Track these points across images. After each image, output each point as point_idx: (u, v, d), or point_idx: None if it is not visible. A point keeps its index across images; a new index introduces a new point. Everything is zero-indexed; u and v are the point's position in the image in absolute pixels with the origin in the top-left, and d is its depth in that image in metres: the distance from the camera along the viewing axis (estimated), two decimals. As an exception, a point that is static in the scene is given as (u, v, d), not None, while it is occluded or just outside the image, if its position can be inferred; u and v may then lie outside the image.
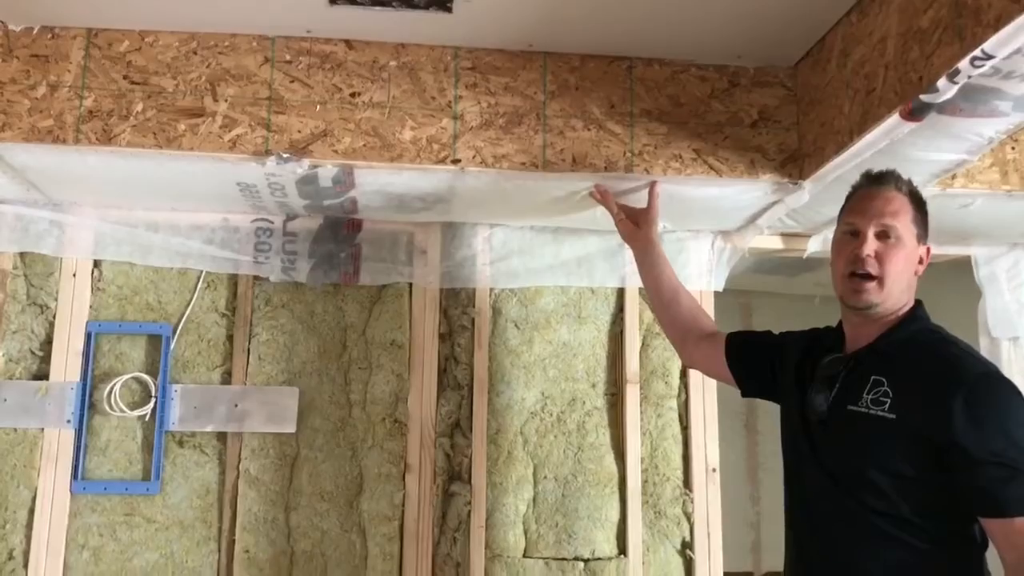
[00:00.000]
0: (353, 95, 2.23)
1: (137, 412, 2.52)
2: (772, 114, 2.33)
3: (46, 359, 2.52)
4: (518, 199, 2.44)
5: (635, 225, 2.31)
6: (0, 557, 2.42)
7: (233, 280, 2.62)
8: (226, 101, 2.20)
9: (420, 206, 2.51)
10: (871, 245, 1.74)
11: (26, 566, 2.41)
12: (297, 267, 2.62)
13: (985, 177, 2.28)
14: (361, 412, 2.61)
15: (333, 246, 2.64)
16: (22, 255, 2.55)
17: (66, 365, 2.51)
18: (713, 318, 2.70)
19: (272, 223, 2.63)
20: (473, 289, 2.70)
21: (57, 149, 2.16)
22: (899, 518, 1.64)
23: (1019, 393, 1.63)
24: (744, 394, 2.14)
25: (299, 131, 2.20)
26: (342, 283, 2.65)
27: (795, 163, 2.31)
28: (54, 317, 2.53)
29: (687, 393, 2.72)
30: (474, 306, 2.69)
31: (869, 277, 1.74)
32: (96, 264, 2.58)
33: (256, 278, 2.62)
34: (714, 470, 2.69)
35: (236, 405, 2.55)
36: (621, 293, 2.76)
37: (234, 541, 2.51)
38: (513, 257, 2.71)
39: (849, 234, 1.79)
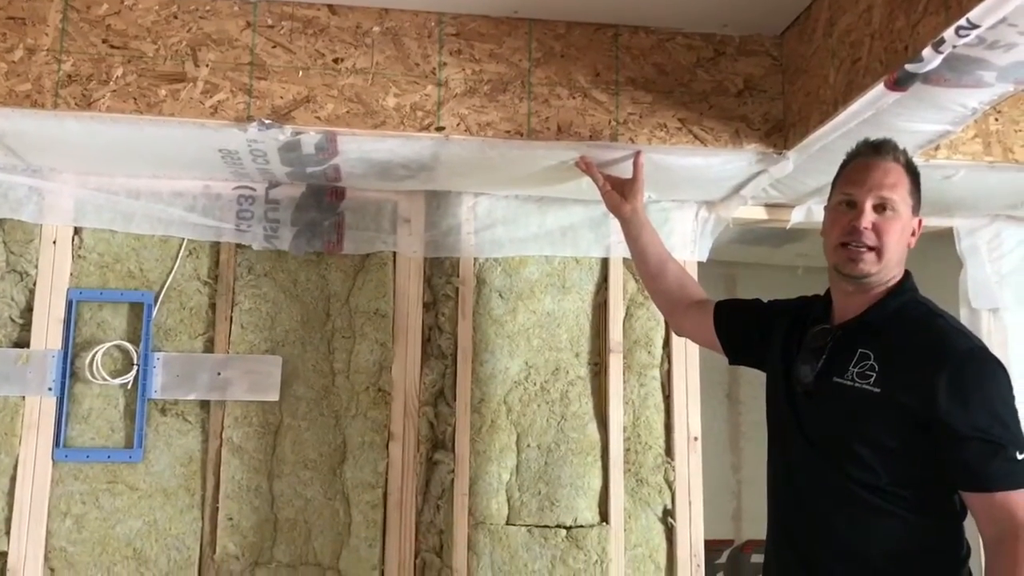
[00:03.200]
0: (336, 61, 2.21)
1: (119, 380, 2.51)
2: (758, 83, 2.33)
3: (27, 327, 2.50)
4: (503, 168, 2.43)
5: (621, 196, 2.29)
6: (-18, 524, 2.42)
7: (215, 248, 2.60)
8: (207, 66, 2.17)
9: (404, 174, 2.50)
10: (869, 217, 1.73)
11: (8, 533, 2.41)
12: (280, 235, 2.60)
13: (968, 148, 2.28)
14: (345, 381, 2.61)
15: (316, 214, 2.62)
16: (1, 222, 2.52)
17: (47, 333, 2.49)
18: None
19: (254, 191, 2.61)
20: (457, 258, 2.69)
21: (35, 114, 2.13)
22: (881, 489, 1.66)
23: (1004, 370, 1.66)
24: (731, 362, 2.15)
25: (281, 97, 2.18)
26: (325, 252, 2.64)
27: (780, 133, 2.31)
28: (34, 285, 2.51)
29: (670, 363, 2.73)
30: (458, 275, 2.69)
31: (867, 248, 1.73)
32: (77, 231, 2.55)
33: (239, 246, 2.60)
34: (696, 439, 2.71)
35: (219, 373, 2.54)
36: (605, 263, 2.76)
37: (217, 509, 2.51)
38: (498, 226, 2.71)
39: (845, 204, 1.77)
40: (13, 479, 2.43)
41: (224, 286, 2.59)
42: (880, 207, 1.74)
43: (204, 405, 2.55)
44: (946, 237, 2.88)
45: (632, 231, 2.29)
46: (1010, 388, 1.66)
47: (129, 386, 2.52)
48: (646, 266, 2.29)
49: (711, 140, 2.30)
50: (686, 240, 2.75)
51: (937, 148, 2.25)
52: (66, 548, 2.45)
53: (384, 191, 2.66)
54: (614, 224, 2.73)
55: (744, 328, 2.07)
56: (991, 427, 1.60)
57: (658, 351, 2.74)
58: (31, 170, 2.50)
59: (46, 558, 2.43)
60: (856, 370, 1.71)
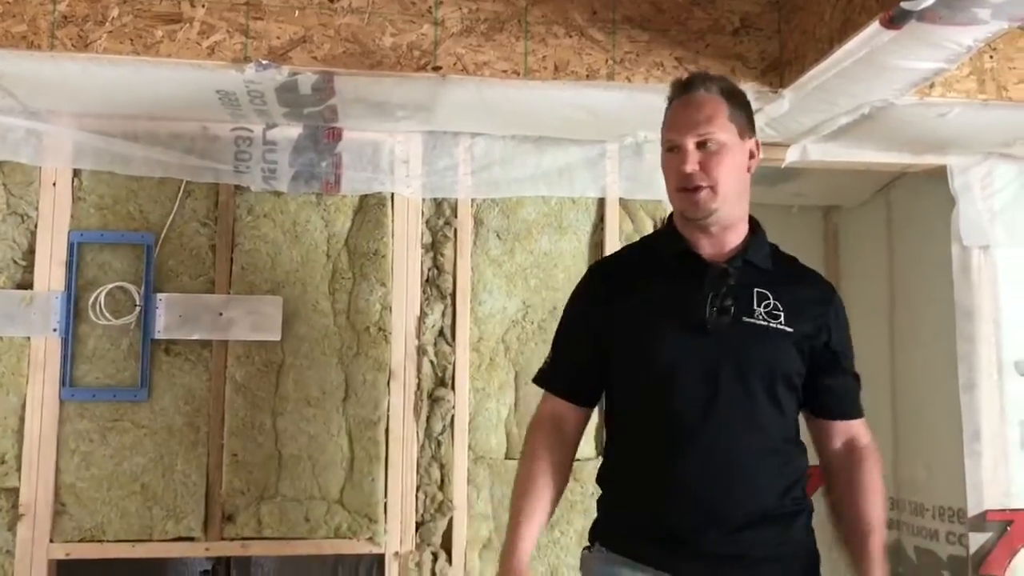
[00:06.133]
0: (332, 0, 2.20)
1: (122, 320, 2.54)
2: (754, 21, 2.33)
3: (29, 269, 2.53)
4: (500, 107, 2.44)
5: None
6: (-7, 462, 2.47)
7: (214, 189, 2.62)
8: (203, 7, 2.17)
9: (401, 114, 2.50)
10: (694, 158, 1.69)
11: (19, 470, 2.47)
12: (278, 176, 2.61)
13: (962, 86, 2.29)
14: (346, 321, 2.65)
15: (314, 155, 2.63)
16: (1, 164, 2.53)
17: (50, 274, 2.52)
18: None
19: (252, 132, 2.61)
20: (455, 199, 2.71)
21: (32, 55, 2.13)
22: (785, 421, 1.73)
23: None
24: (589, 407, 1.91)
25: (278, 37, 2.18)
26: (324, 193, 2.66)
27: (776, 71, 2.32)
28: (36, 227, 2.53)
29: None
30: (456, 216, 2.71)
31: (701, 187, 1.69)
32: (76, 173, 2.56)
33: (237, 187, 2.62)
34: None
35: (220, 314, 2.57)
36: (601, 203, 2.78)
37: (222, 445, 2.57)
38: (495, 167, 2.72)
39: (671, 151, 1.73)
40: (22, 418, 2.49)
41: (224, 227, 2.61)
42: (703, 144, 1.69)
43: (207, 345, 2.59)
44: (939, 175, 2.90)
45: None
46: None
47: (132, 326, 2.55)
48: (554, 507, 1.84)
49: (707, 79, 2.30)
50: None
51: (932, 86, 2.26)
52: (75, 484, 2.51)
53: (381, 131, 2.67)
54: (610, 164, 2.76)
55: (589, 362, 1.83)
56: (853, 362, 1.84)
57: (654, 290, 2.77)
58: (29, 112, 2.51)
59: (56, 494, 2.49)
60: (763, 310, 1.72)
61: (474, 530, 2.64)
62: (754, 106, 2.39)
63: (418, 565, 2.61)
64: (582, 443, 2.60)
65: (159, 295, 2.56)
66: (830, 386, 1.79)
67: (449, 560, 2.62)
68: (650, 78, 2.29)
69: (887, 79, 2.15)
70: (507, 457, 2.66)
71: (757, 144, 1.79)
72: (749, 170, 1.77)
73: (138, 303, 2.55)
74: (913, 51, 1.99)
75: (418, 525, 2.62)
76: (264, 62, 2.15)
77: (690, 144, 1.69)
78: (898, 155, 2.85)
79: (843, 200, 3.79)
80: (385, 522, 2.60)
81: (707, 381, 1.69)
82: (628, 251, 2.00)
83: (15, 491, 2.46)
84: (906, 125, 2.51)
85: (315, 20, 2.20)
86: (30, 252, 2.53)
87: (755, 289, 1.73)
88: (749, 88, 2.30)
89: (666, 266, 1.79)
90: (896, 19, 1.81)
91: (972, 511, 2.82)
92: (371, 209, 2.68)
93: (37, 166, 2.53)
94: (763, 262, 1.78)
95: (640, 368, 1.76)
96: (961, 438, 2.84)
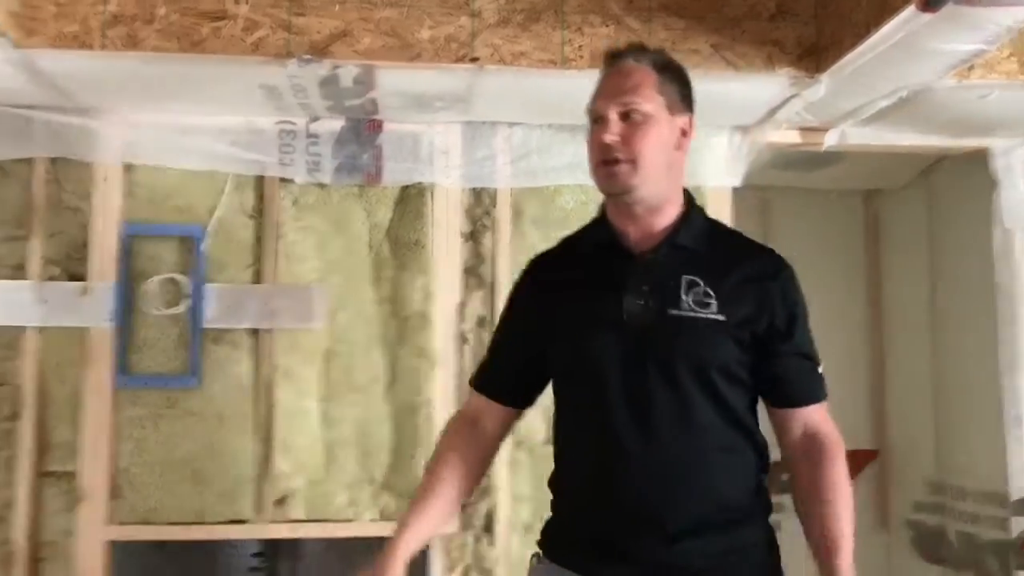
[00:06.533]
0: (373, -7, 2.25)
1: (173, 311, 2.62)
2: (791, 7, 2.33)
3: (83, 261, 2.61)
4: (537, 96, 2.47)
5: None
6: (52, 448, 2.56)
7: (260, 182, 2.68)
8: (247, 3, 2.22)
9: (440, 105, 2.55)
10: (614, 129, 1.57)
11: (77, 456, 2.56)
12: (322, 168, 2.67)
13: (1003, 68, 2.28)
14: (389, 309, 2.71)
15: (356, 147, 2.68)
16: (54, 160, 2.61)
17: (103, 266, 2.61)
18: (731, 215, 2.76)
19: (295, 125, 2.67)
20: (494, 189, 2.75)
21: (83, 55, 2.20)
22: (729, 417, 1.60)
23: None
24: (522, 406, 1.80)
25: (319, 32, 2.23)
26: (365, 184, 2.71)
27: (812, 57, 2.32)
28: (88, 220, 2.62)
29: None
30: (495, 205, 2.75)
31: (619, 160, 1.57)
32: (127, 168, 2.64)
33: (282, 180, 2.68)
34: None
35: (267, 303, 2.64)
36: (639, 190, 2.79)
37: (271, 431, 2.64)
38: (533, 156, 2.76)
39: (595, 122, 1.62)
40: (79, 406, 2.57)
41: (269, 219, 2.67)
42: (625, 115, 1.58)
43: (254, 333, 2.66)
44: (980, 157, 2.88)
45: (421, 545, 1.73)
46: None
47: (182, 316, 2.63)
48: (460, 501, 1.78)
49: (744, 65, 2.32)
50: (720, 166, 2.78)
51: (971, 68, 2.25)
52: (129, 469, 2.59)
53: (421, 123, 2.71)
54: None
55: (525, 368, 1.75)
56: (809, 342, 1.66)
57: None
58: (81, 109, 2.59)
59: (112, 479, 2.58)
60: (691, 299, 1.58)
61: (515, 512, 2.69)
62: (790, 92, 2.41)
63: (461, 547, 2.67)
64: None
65: (208, 285, 2.63)
66: (779, 371, 1.62)
67: (491, 542, 2.68)
68: (686, 65, 2.30)
69: (925, 62, 2.15)
70: (546, 442, 2.70)
71: (691, 122, 1.65)
72: (680, 148, 1.63)
73: (188, 294, 2.63)
74: (951, 33, 1.98)
75: (461, 508, 2.67)
76: (306, 57, 2.20)
77: (612, 114, 1.58)
78: (938, 138, 2.83)
79: (883, 184, 3.77)
80: (429, 505, 2.66)
81: (632, 382, 1.58)
82: (562, 245, 1.84)
83: (74, 475, 2.56)
84: (946, 108, 2.49)
85: (355, 14, 2.24)
86: (84, 245, 2.62)
87: (683, 277, 1.59)
88: (785, 74, 2.31)
89: (590, 259, 1.70)
90: (932, 2, 1.81)
91: (1014, 495, 2.81)
92: (412, 200, 2.73)
93: (89, 162, 2.62)
94: (695, 243, 1.64)
95: (566, 371, 1.69)
96: (1003, 422, 2.82)
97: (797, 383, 1.64)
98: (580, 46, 2.28)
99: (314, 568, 3.30)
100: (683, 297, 1.58)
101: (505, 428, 1.80)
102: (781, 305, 1.62)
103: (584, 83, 2.32)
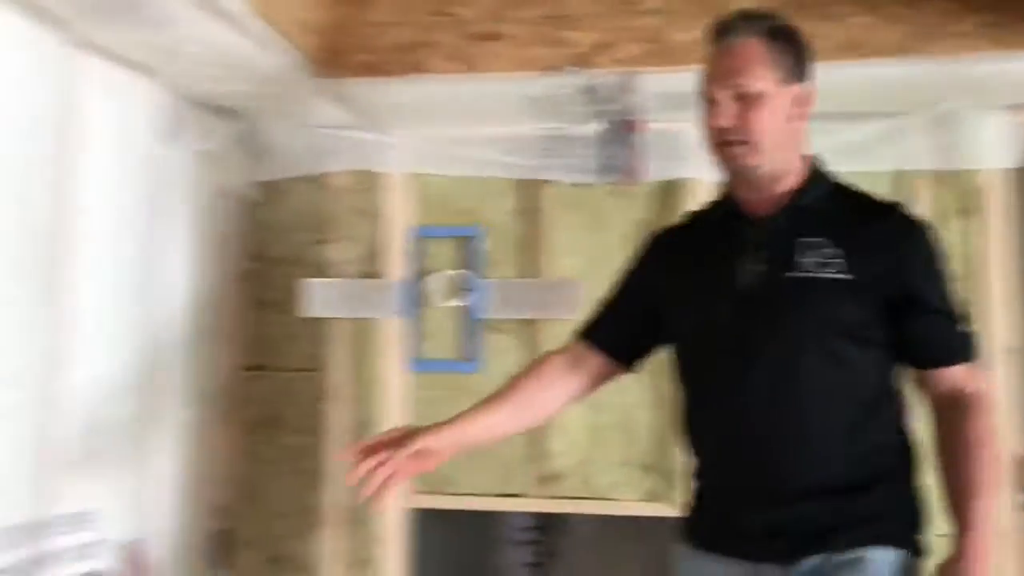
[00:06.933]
0: (633, 3, 2.38)
1: (455, 303, 2.92)
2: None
3: (379, 260, 2.96)
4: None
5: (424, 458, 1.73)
6: (357, 425, 2.93)
7: (529, 184, 2.90)
8: (516, 23, 2.42)
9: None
10: (728, 111, 1.57)
11: (376, 431, 2.91)
12: (584, 169, 2.84)
13: None
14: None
15: (616, 148, 2.83)
16: (355, 172, 2.98)
17: (395, 264, 2.94)
18: (1007, 197, 2.63)
19: (560, 130, 2.85)
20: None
21: (379, 81, 2.51)
22: (856, 380, 1.57)
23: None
24: (636, 370, 1.90)
25: (582, 44, 2.39)
26: (626, 182, 2.85)
27: (1099, 29, 2.18)
28: (383, 223, 2.96)
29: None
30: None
31: (736, 142, 1.57)
32: (415, 176, 2.96)
33: (548, 181, 2.89)
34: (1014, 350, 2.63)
35: (536, 296, 2.87)
36: (899, 176, 2.72)
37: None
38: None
39: (707, 102, 1.61)
40: (380, 387, 2.93)
41: (537, 218, 2.89)
42: (738, 96, 1.56)
43: (527, 323, 2.89)
44: None
45: (468, 447, 1.86)
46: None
47: (464, 308, 2.91)
48: (519, 427, 1.90)
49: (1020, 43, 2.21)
50: (994, 146, 2.65)
51: None
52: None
53: (679, 121, 2.80)
54: (912, 136, 2.68)
55: (631, 327, 1.83)
56: (950, 298, 1.60)
57: None
58: (375, 126, 2.92)
59: (408, 452, 2.91)
60: (812, 260, 1.56)
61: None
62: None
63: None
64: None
65: (485, 280, 2.90)
66: (917, 331, 1.57)
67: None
68: (955, 45, 2.23)
69: None
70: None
71: (804, 91, 1.62)
72: (801, 118, 1.62)
73: (468, 287, 2.91)
74: None
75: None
76: (572, 68, 2.37)
77: (724, 97, 1.58)
78: None
79: None
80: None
81: (748, 348, 1.58)
82: (685, 218, 1.89)
83: (375, 449, 2.92)
84: None
85: (617, 23, 2.38)
86: (378, 247, 2.96)
87: (803, 239, 1.57)
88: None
89: (711, 228, 1.72)
90: None
91: None
92: (670, 195, 2.84)
93: (383, 171, 2.96)
94: (819, 204, 1.62)
95: (683, 341, 1.72)
96: None
97: (935, 343, 1.59)
98: (838, 38, 2.27)
99: (580, 544, 3.53)
100: (802, 259, 1.57)
101: (594, 381, 1.84)
102: (913, 263, 1.58)
103: (843, 72, 2.32)
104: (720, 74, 1.59)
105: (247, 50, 2.17)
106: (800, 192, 1.63)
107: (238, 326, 2.95)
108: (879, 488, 1.56)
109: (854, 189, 1.70)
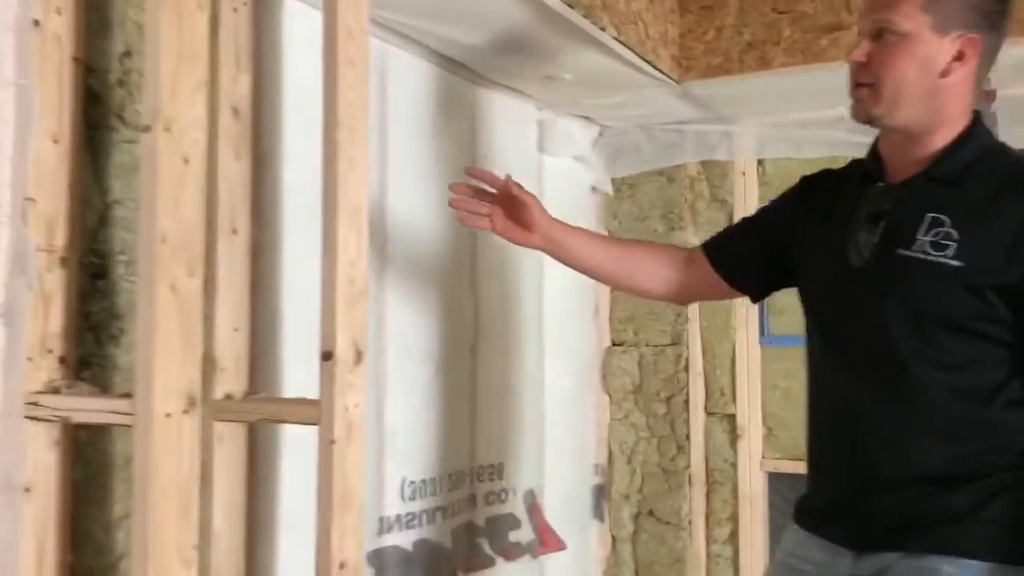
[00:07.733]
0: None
1: (804, 280, 3.07)
2: None
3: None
4: None
5: (523, 228, 1.82)
6: (715, 394, 3.20)
7: (875, 162, 2.99)
8: (858, 12, 2.53)
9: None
10: (863, 48, 1.42)
11: (735, 401, 3.16)
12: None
13: None
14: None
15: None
16: (703, 163, 3.23)
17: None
18: None
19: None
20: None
21: (726, 79, 2.73)
22: (957, 378, 1.39)
23: None
24: (755, 299, 1.90)
25: (928, 24, 2.45)
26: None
27: None
28: (732, 209, 3.18)
29: None
30: None
31: (860, 84, 1.44)
32: (760, 162, 3.16)
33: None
34: None
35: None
36: None
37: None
38: None
39: (859, 36, 1.48)
40: (734, 360, 3.17)
41: (885, 194, 2.96)
42: (879, 33, 1.40)
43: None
44: None
45: (562, 254, 1.86)
46: None
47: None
48: (610, 273, 1.92)
49: None
50: None
51: None
52: (777, 413, 3.11)
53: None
54: None
55: (752, 253, 1.78)
56: None
57: None
58: (720, 118, 3.15)
59: (764, 420, 3.13)
60: (928, 239, 1.38)
61: None
62: None
63: None
64: None
65: (833, 257, 3.03)
66: None
67: None
68: None
69: None
70: None
71: (970, 42, 1.40)
72: (947, 74, 1.40)
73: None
74: None
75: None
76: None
77: (868, 31, 1.44)
78: None
79: None
80: None
81: (847, 327, 1.48)
82: (839, 170, 1.77)
83: (733, 417, 3.17)
84: None
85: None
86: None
87: (929, 214, 1.39)
88: None
89: (850, 188, 1.57)
90: None
91: None
92: (1030, 161, 2.78)
93: (729, 160, 3.18)
94: (953, 177, 1.42)
95: (802, 299, 1.66)
96: None
97: None
98: None
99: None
100: (920, 237, 1.40)
101: (695, 288, 1.84)
102: None
103: None
104: (870, 6, 1.48)
105: (617, 70, 2.49)
106: (940, 160, 1.45)
107: (610, 307, 3.32)
108: (974, 487, 1.40)
109: (1006, 157, 1.50)
